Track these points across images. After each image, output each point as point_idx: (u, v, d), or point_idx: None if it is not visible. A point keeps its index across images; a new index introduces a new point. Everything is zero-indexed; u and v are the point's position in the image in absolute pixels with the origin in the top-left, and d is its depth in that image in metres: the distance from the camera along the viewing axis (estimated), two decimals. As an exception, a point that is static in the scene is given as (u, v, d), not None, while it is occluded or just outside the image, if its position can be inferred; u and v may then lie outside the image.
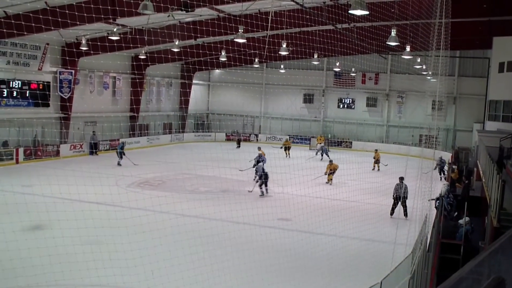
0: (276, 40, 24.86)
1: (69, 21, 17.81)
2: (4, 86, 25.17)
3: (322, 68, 41.36)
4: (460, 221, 14.18)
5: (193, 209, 13.58)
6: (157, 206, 13.31)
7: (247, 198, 18.41)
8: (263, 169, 19.65)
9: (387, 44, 18.71)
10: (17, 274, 9.10)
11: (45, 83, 27.67)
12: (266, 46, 24.04)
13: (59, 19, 18.09)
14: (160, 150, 33.63)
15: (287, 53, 24.51)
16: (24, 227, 11.75)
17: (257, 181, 19.61)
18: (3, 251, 10.06)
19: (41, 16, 16.85)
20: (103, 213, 11.71)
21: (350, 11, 12.87)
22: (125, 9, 16.67)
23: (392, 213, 16.67)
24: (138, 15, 17.95)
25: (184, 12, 18.79)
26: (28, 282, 9.06)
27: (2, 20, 19.17)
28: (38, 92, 26.76)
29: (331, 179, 22.09)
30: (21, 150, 25.28)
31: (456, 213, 16.25)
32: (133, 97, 34.76)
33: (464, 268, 3.26)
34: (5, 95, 25.20)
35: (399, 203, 16.49)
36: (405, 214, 16.20)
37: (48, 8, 18.22)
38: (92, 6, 18.72)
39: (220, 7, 21.35)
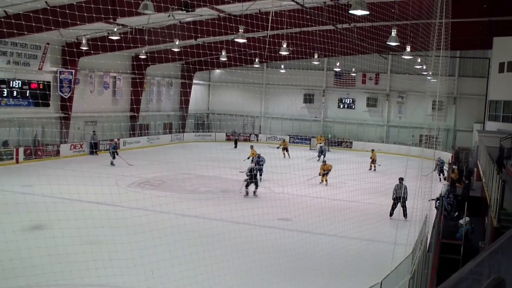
0: (276, 40, 24.85)
1: (69, 20, 17.82)
2: (4, 86, 25.17)
3: (323, 68, 41.36)
4: (460, 221, 14.18)
5: (193, 209, 13.58)
6: (157, 206, 13.31)
7: (247, 198, 18.42)
8: (251, 169, 19.22)
9: (388, 44, 18.71)
10: (17, 274, 9.10)
11: (46, 83, 27.67)
12: (267, 46, 24.06)
13: (60, 19, 18.08)
14: (160, 150, 33.64)
15: (288, 53, 24.49)
16: (24, 227, 11.74)
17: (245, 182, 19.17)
18: (3, 251, 10.06)
19: (41, 16, 16.85)
20: (103, 213, 11.71)
21: (351, 11, 12.86)
22: (126, 9, 16.67)
23: (391, 214, 16.59)
24: (139, 15, 17.94)
25: (185, 12, 18.79)
26: (28, 282, 9.07)
27: (3, 19, 19.18)
28: (38, 91, 26.77)
29: (326, 180, 22.00)
30: (21, 150, 25.29)
31: (456, 213, 16.24)
32: (133, 97, 34.77)
33: (464, 268, 3.25)
34: (5, 94, 25.19)
35: (399, 204, 16.43)
36: (405, 215, 16.12)
37: (48, 7, 18.22)
38: (92, 5, 18.72)
39: (220, 7, 21.35)
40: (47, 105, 27.43)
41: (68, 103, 28.87)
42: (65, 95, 28.81)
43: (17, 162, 24.87)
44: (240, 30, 20.35)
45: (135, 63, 33.90)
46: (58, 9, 17.81)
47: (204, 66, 39.06)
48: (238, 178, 20.90)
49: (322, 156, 28.78)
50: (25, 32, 18.52)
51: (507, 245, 3.81)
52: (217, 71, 44.93)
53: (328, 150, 33.69)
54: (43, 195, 13.95)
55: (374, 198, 17.11)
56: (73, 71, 28.90)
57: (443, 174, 25.12)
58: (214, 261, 10.06)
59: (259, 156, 22.38)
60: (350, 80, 40.60)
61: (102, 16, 18.02)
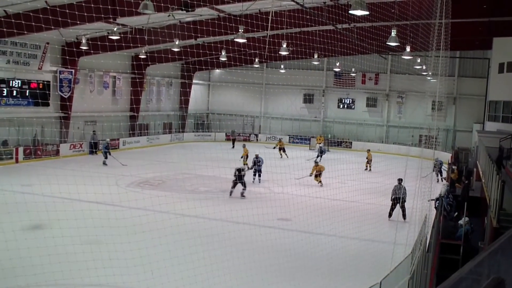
0: (276, 40, 24.86)
1: (69, 20, 17.83)
2: (4, 85, 25.15)
3: (322, 68, 41.36)
4: (460, 222, 14.18)
5: (192, 209, 13.57)
6: (157, 206, 13.30)
7: (247, 198, 18.41)
8: (239, 169, 18.80)
9: (387, 45, 18.71)
10: (16, 273, 9.09)
11: (45, 83, 27.66)
12: (266, 46, 24.05)
13: (59, 19, 18.07)
14: (160, 149, 33.63)
15: (287, 53, 24.50)
16: (23, 227, 11.73)
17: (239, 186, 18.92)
18: (2, 251, 10.06)
19: (41, 16, 16.85)
20: (102, 213, 11.71)
21: (350, 11, 12.87)
22: (125, 8, 16.67)
23: (390, 215, 16.45)
24: (138, 14, 17.94)
25: (184, 12, 18.79)
26: (28, 281, 9.07)
27: (2, 19, 19.18)
28: (38, 91, 26.75)
29: (320, 181, 21.71)
30: (20, 150, 25.28)
31: (455, 214, 16.24)
32: (133, 97, 34.75)
33: (464, 268, 3.26)
34: (5, 94, 25.18)
35: (398, 205, 16.32)
36: (404, 217, 15.92)
37: (48, 7, 18.22)
38: (92, 5, 18.72)
39: (220, 7, 21.35)
40: (47, 104, 27.41)
41: (67, 103, 28.87)
42: (65, 95, 28.81)
43: (17, 161, 24.86)
44: (240, 30, 20.35)
45: (135, 63, 33.90)
46: (58, 9, 17.80)
47: (204, 66, 39.06)
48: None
49: (320, 157, 28.82)
50: (25, 32, 18.50)
51: (507, 245, 3.81)
52: (217, 71, 44.93)
53: (328, 150, 33.69)
54: (43, 195, 13.93)
55: (373, 198, 17.11)
56: (73, 70, 28.89)
57: (441, 175, 25.10)
58: (213, 261, 10.06)
59: (257, 157, 22.14)
60: (349, 80, 40.61)
61: (102, 15, 18.02)
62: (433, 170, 23.45)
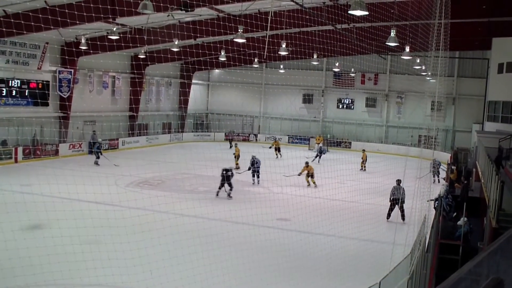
0: (275, 40, 24.86)
1: (68, 20, 17.82)
2: (3, 85, 25.15)
3: (322, 68, 41.36)
4: (459, 222, 14.18)
5: (192, 209, 13.57)
6: (156, 206, 13.31)
7: (246, 198, 18.40)
8: (226, 170, 18.59)
9: (387, 45, 18.70)
10: (15, 273, 9.09)
11: (45, 82, 27.65)
12: (266, 46, 24.02)
13: (59, 18, 18.08)
14: (159, 149, 33.62)
15: (287, 53, 24.50)
16: (22, 227, 11.73)
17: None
18: (1, 251, 10.06)
19: (40, 15, 16.85)
20: (102, 213, 11.71)
21: (350, 12, 12.87)
22: (125, 8, 16.67)
23: (388, 216, 16.35)
24: (138, 14, 17.94)
25: (184, 12, 18.80)
26: (27, 281, 9.07)
27: (2, 19, 19.17)
28: (37, 91, 26.73)
29: (314, 182, 21.56)
30: (20, 149, 25.27)
31: (455, 214, 16.23)
32: (132, 97, 34.74)
33: (463, 268, 3.26)
34: (4, 94, 25.17)
35: (396, 206, 16.24)
36: (403, 218, 15.84)
37: (47, 7, 18.21)
38: (91, 5, 18.71)
39: (219, 7, 21.35)
40: (46, 104, 27.40)
41: (67, 103, 28.85)
42: (64, 95, 28.79)
43: (16, 161, 24.85)
44: (239, 30, 20.35)
45: (134, 62, 33.84)
46: (57, 9, 17.80)
47: (203, 66, 39.06)
48: (236, 178, 20.91)
49: (319, 157, 28.82)
50: (24, 32, 18.50)
51: (506, 246, 3.81)
52: (216, 71, 44.92)
53: (327, 150, 33.69)
54: (42, 195, 13.94)
55: (372, 199, 17.11)
56: (72, 70, 28.88)
57: (439, 176, 25.06)
58: (212, 261, 10.07)
59: (254, 158, 21.98)
60: (349, 80, 40.61)
61: (102, 15, 18.01)
62: (430, 171, 23.45)
